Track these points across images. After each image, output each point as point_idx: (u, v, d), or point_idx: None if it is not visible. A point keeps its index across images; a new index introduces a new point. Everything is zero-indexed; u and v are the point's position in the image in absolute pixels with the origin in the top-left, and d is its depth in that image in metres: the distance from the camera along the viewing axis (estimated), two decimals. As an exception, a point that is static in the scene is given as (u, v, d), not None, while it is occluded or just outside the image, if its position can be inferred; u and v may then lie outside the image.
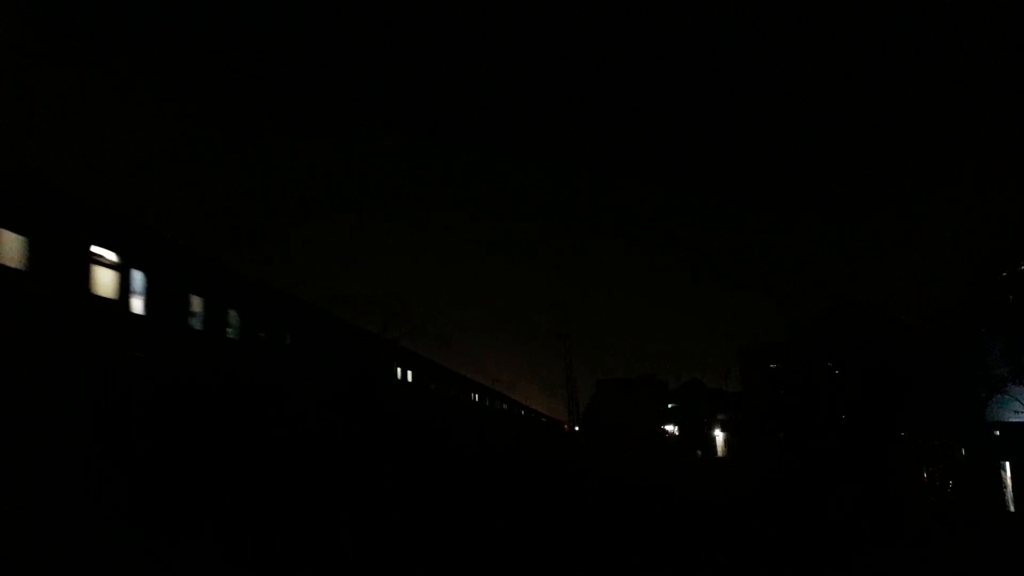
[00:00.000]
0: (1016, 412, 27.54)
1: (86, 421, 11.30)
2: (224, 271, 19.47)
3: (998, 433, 28.51)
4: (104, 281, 13.72)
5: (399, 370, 33.77)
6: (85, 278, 13.21)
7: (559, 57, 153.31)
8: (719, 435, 61.19)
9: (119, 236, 14.24)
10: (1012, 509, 27.45)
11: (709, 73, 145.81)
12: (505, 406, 65.54)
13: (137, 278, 14.65)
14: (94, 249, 13.45)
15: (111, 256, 13.92)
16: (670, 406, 75.51)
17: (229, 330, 19.13)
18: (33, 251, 11.78)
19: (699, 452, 60.43)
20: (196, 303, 17.22)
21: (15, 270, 11.47)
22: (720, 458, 58.06)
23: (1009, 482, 27.87)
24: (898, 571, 15.25)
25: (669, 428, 77.23)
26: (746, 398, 52.07)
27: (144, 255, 15.00)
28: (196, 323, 17.24)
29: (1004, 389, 27.59)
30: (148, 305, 14.89)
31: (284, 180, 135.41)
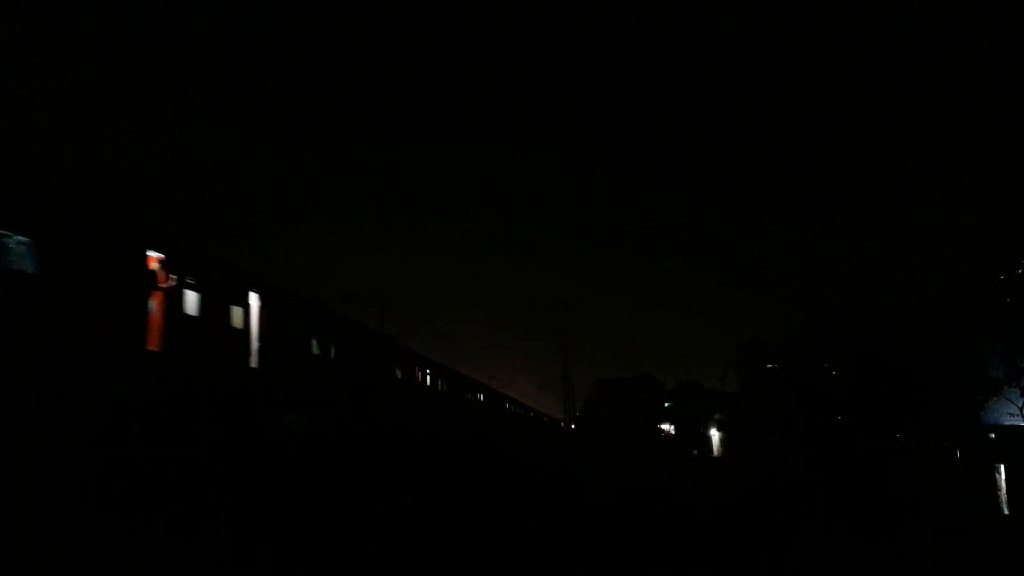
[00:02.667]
0: (1012, 415, 27.68)
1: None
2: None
3: (993, 436, 28.62)
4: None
5: (396, 367, 33.78)
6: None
7: (559, 57, 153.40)
8: (715, 435, 61.38)
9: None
10: (1006, 512, 27.55)
11: (709, 73, 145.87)
12: (508, 405, 65.62)
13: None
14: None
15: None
16: (667, 405, 75.81)
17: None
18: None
19: (695, 451, 60.60)
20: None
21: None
22: (716, 457, 58.25)
23: (1003, 485, 27.97)
24: (891, 571, 15.35)
25: (666, 427, 77.55)
26: (743, 398, 52.23)
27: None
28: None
29: (1000, 392, 27.74)
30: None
31: (284, 180, 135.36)
